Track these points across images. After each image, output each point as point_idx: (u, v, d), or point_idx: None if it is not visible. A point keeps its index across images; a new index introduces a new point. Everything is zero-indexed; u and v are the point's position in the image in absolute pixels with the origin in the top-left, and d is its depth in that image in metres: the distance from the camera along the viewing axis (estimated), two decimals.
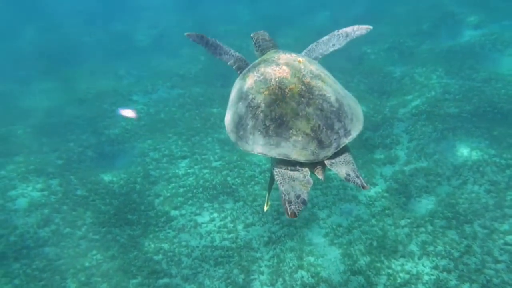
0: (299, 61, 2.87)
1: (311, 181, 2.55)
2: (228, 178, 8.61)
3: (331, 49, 3.51)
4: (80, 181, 8.40)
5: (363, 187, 2.48)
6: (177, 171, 9.10)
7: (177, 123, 11.00)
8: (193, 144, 10.01)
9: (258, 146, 2.62)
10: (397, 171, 8.25)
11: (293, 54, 3.01)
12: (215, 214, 7.70)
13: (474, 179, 7.44)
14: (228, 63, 3.46)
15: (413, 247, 6.31)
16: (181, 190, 8.44)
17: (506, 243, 5.98)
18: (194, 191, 8.38)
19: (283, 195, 2.44)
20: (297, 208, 2.38)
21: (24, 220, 7.11)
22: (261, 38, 3.36)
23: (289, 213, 2.35)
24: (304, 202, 2.41)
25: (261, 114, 2.64)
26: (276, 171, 2.63)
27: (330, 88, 2.78)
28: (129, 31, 18.87)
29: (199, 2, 22.08)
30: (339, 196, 7.75)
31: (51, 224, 7.06)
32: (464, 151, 8.15)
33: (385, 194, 7.65)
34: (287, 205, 2.39)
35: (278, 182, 2.56)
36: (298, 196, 2.43)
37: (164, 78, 13.52)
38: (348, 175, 2.53)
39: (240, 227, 7.37)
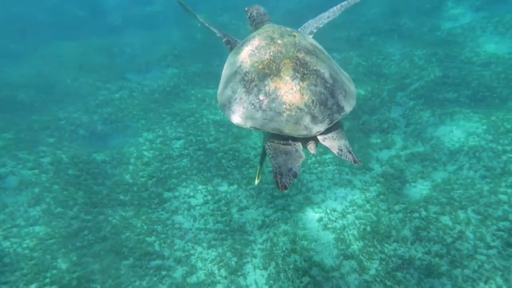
0: (294, 36, 2.84)
1: (303, 155, 2.55)
2: (223, 161, 8.51)
3: (325, 21, 3.47)
4: (71, 160, 8.27)
5: (355, 162, 2.52)
6: (171, 152, 8.98)
7: (171, 103, 10.81)
8: (188, 125, 9.85)
9: (250, 120, 2.61)
10: (393, 156, 8.18)
11: (288, 29, 2.97)
12: (209, 197, 7.63)
13: (470, 164, 7.39)
14: (218, 35, 3.41)
15: (406, 232, 6.31)
16: (175, 171, 8.34)
17: (498, 229, 5.98)
18: (188, 173, 8.28)
19: (275, 168, 2.44)
20: (288, 181, 2.37)
21: (15, 198, 7.00)
22: (256, 12, 3.32)
23: (280, 186, 2.35)
24: (295, 175, 2.41)
25: (254, 88, 2.63)
26: (268, 145, 2.62)
27: (324, 64, 2.77)
28: (124, 6, 18.33)
29: None
30: (334, 181, 7.69)
31: (42, 203, 6.96)
32: (461, 136, 8.08)
33: (380, 179, 7.60)
34: (278, 178, 2.38)
35: (270, 156, 2.55)
36: (289, 170, 2.43)
37: (159, 56, 13.21)
38: (341, 150, 2.57)
39: (234, 210, 7.32)
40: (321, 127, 2.59)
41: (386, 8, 15.15)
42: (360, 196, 7.29)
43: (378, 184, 7.52)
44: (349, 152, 2.57)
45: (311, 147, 2.65)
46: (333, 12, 3.53)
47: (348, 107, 2.73)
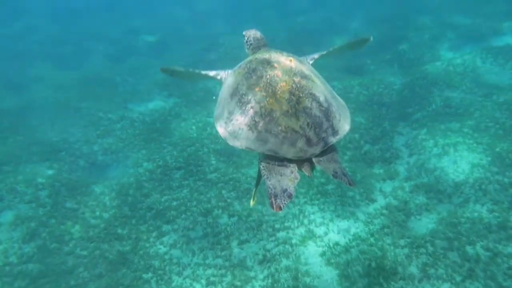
0: (290, 61, 2.90)
1: (298, 176, 2.56)
2: (223, 191, 8.37)
3: (324, 53, 3.57)
4: (70, 192, 8.14)
5: (350, 184, 2.52)
6: (171, 183, 8.85)
7: (172, 132, 10.78)
8: (189, 155, 9.77)
9: (246, 141, 2.65)
10: (396, 187, 8.02)
11: (284, 53, 3.04)
12: (209, 230, 7.44)
13: (476, 197, 7.22)
14: (211, 75, 3.50)
15: (413, 269, 6.07)
16: (175, 203, 8.19)
17: (510, 268, 5.74)
18: (188, 204, 8.13)
19: (269, 189, 2.45)
20: (283, 202, 2.38)
21: (9, 234, 6.83)
22: (253, 36, 3.39)
23: (275, 207, 2.36)
24: (290, 196, 2.42)
25: (251, 110, 2.67)
26: (263, 166, 2.64)
27: (320, 88, 2.82)
28: (128, 37, 18.71)
29: (193, 12, 22.02)
30: (336, 213, 7.51)
31: (37, 238, 6.78)
32: (465, 168, 7.94)
33: (384, 211, 7.41)
34: (273, 199, 2.40)
35: (265, 176, 2.57)
36: (284, 190, 2.44)
37: (161, 85, 13.31)
38: (336, 172, 2.58)
39: (234, 243, 7.11)
40: (316, 150, 2.62)
41: (386, 38, 15.36)
42: (363, 229, 7.09)
43: (382, 217, 7.33)
44: (344, 174, 2.57)
45: (306, 169, 2.66)
46: (333, 49, 3.60)
47: (342, 131, 2.77)
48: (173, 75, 3.87)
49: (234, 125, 2.72)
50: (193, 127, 11.00)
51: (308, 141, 2.59)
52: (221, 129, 2.87)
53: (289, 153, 2.57)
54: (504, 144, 8.21)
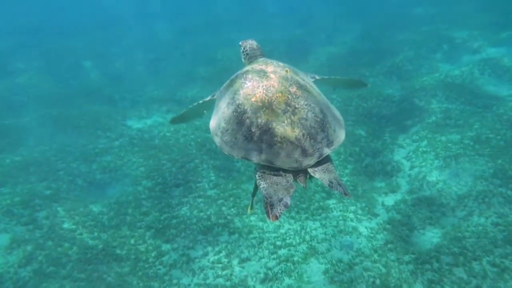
0: (286, 71, 2.93)
1: (294, 186, 2.58)
2: (223, 208, 8.26)
3: (325, 77, 3.66)
4: (67, 213, 8.03)
5: (345, 194, 2.50)
6: (170, 200, 8.74)
7: (171, 149, 10.71)
8: (188, 171, 9.68)
9: (242, 151, 2.68)
10: (399, 200, 7.92)
11: (281, 64, 3.06)
12: (209, 248, 7.31)
13: (480, 210, 7.11)
14: (215, 98, 3.47)
15: (418, 287, 5.92)
16: (174, 221, 8.07)
17: None
18: (188, 222, 8.01)
19: (265, 198, 2.46)
20: (279, 211, 2.39)
21: (5, 258, 6.68)
22: (249, 46, 3.41)
23: (271, 216, 2.37)
24: (286, 206, 2.43)
25: (247, 120, 2.69)
26: (259, 175, 2.66)
27: (315, 98, 2.86)
28: (126, 54, 18.82)
29: (193, 27, 22.24)
30: (338, 228, 7.39)
31: (33, 262, 6.63)
32: (468, 180, 7.85)
33: (387, 226, 7.29)
34: (269, 208, 2.40)
35: (261, 186, 2.58)
36: (280, 200, 2.45)
37: (160, 102, 13.32)
38: (331, 182, 2.58)
39: (235, 262, 6.97)
40: (311, 160, 2.64)
41: (383, 50, 15.46)
42: (367, 245, 6.96)
43: (385, 232, 7.20)
44: (339, 184, 2.57)
45: (301, 179, 2.67)
46: (334, 78, 3.74)
47: (337, 142, 2.80)
48: (183, 119, 4.00)
49: (230, 135, 2.75)
50: (192, 143, 10.93)
51: (304, 152, 2.62)
52: (217, 138, 2.88)
53: (285, 163, 2.60)
54: (506, 156, 8.13)
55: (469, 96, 10.90)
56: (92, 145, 10.69)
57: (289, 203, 2.44)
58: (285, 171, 2.64)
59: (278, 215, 2.38)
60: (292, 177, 2.63)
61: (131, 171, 9.83)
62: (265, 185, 2.57)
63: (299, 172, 2.66)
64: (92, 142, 10.80)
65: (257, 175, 2.67)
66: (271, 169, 2.65)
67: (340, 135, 2.86)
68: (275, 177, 2.61)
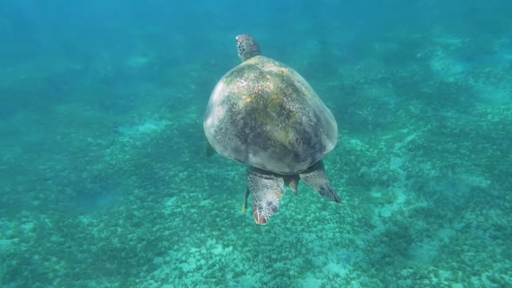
0: (283, 71, 2.87)
1: (284, 190, 2.58)
2: (217, 219, 8.07)
3: None
4: (56, 224, 7.76)
5: (337, 200, 2.50)
6: (162, 211, 8.53)
7: (164, 157, 10.50)
8: (181, 180, 9.48)
9: (235, 152, 2.66)
10: (395, 211, 7.80)
11: (277, 63, 3.00)
12: (202, 261, 7.10)
13: (478, 222, 7.01)
14: None
15: None
16: (166, 233, 7.86)
17: None
18: (181, 234, 7.80)
19: (255, 200, 2.48)
20: (267, 215, 2.41)
21: None
22: (246, 42, 3.34)
23: (258, 219, 2.39)
24: (274, 209, 2.44)
25: (241, 121, 2.65)
26: (250, 177, 2.67)
27: (310, 101, 2.82)
28: (118, 58, 18.55)
29: (189, 29, 22.03)
30: (335, 241, 7.24)
31: (18, 278, 6.36)
32: (465, 191, 7.76)
33: (384, 239, 7.17)
34: (258, 211, 2.42)
35: (251, 188, 2.59)
36: (269, 203, 2.46)
37: (153, 108, 13.09)
38: (322, 188, 2.58)
39: (229, 276, 6.77)
40: (303, 166, 2.63)
41: (378, 57, 15.43)
42: (364, 258, 6.81)
43: (382, 244, 7.07)
44: (331, 190, 2.57)
45: (292, 185, 2.67)
46: None
47: (329, 146, 2.78)
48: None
49: (223, 134, 2.71)
50: (185, 151, 10.73)
51: (296, 157, 2.60)
52: (210, 136, 2.84)
53: (277, 168, 2.60)
54: (503, 166, 8.07)
55: (464, 104, 10.87)
56: (82, 153, 10.42)
57: (277, 207, 2.45)
58: (277, 175, 2.63)
59: (266, 218, 2.40)
60: (283, 181, 2.63)
61: (122, 180, 9.59)
62: (255, 188, 2.59)
63: (291, 177, 2.66)
64: (82, 149, 10.53)
65: (248, 177, 2.69)
66: (263, 172, 2.65)
67: (333, 139, 2.85)
68: (266, 180, 2.62)
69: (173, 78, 15.66)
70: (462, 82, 11.91)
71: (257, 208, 2.44)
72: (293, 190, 2.66)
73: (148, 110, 13.01)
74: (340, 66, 15.17)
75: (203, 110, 3.24)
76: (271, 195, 2.52)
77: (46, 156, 10.13)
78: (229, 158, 2.69)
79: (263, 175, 2.64)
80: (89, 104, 13.49)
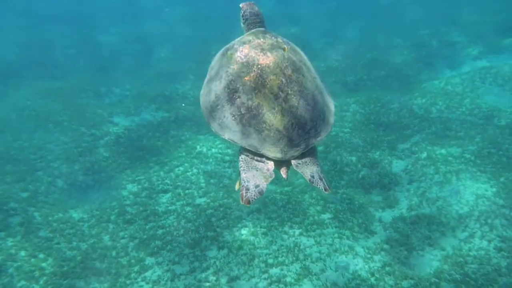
0: (284, 49, 2.78)
1: (274, 175, 2.58)
2: (213, 219, 7.81)
3: None
4: (45, 219, 7.48)
5: (325, 189, 2.53)
6: (156, 207, 8.25)
7: (160, 150, 10.18)
8: (176, 176, 9.18)
9: (229, 132, 2.64)
10: (397, 217, 7.57)
11: (279, 39, 2.87)
12: (196, 264, 6.86)
13: (482, 232, 6.80)
14: None
15: None
16: (160, 231, 7.59)
17: None
18: (175, 233, 7.53)
19: (243, 182, 2.51)
20: (253, 197, 2.44)
21: None
22: (250, 11, 3.16)
23: (244, 200, 2.42)
24: (261, 192, 2.47)
25: (238, 99, 2.60)
26: (241, 158, 2.67)
27: (309, 83, 2.74)
28: (115, 44, 18.04)
29: (188, 17, 21.47)
30: (334, 247, 7.00)
31: (3, 276, 6.10)
32: (469, 199, 7.53)
33: (385, 246, 6.95)
34: (244, 192, 2.45)
35: (241, 168, 2.61)
36: (256, 186, 2.49)
37: (149, 98, 12.69)
38: (312, 176, 2.59)
39: (223, 281, 6.54)
40: (296, 152, 2.61)
41: (382, 53, 15.05)
42: (363, 267, 6.59)
43: (382, 252, 6.85)
44: (320, 179, 2.58)
45: (283, 170, 2.66)
46: None
47: (324, 132, 2.75)
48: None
49: (219, 111, 2.68)
50: (182, 145, 10.42)
51: (290, 142, 2.57)
52: (205, 111, 2.81)
53: (270, 152, 2.57)
54: (509, 174, 7.84)
55: (470, 105, 10.59)
56: (75, 143, 10.06)
57: (264, 191, 2.47)
58: (269, 158, 2.63)
59: (251, 200, 2.42)
60: (273, 165, 2.63)
61: (116, 173, 9.29)
62: (245, 168, 2.59)
63: (283, 162, 2.65)
64: (75, 140, 10.17)
65: (240, 157, 2.69)
66: (255, 154, 2.64)
67: (328, 125, 2.80)
68: (257, 163, 2.63)
69: (171, 68, 15.22)
70: (468, 83, 11.61)
71: (244, 189, 2.47)
72: (284, 176, 2.65)
73: (145, 100, 12.61)
74: (343, 61, 14.78)
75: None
76: (259, 178, 2.53)
77: (37, 145, 9.77)
78: (223, 136, 2.67)
79: (255, 157, 2.64)
80: (83, 91, 13.06)
